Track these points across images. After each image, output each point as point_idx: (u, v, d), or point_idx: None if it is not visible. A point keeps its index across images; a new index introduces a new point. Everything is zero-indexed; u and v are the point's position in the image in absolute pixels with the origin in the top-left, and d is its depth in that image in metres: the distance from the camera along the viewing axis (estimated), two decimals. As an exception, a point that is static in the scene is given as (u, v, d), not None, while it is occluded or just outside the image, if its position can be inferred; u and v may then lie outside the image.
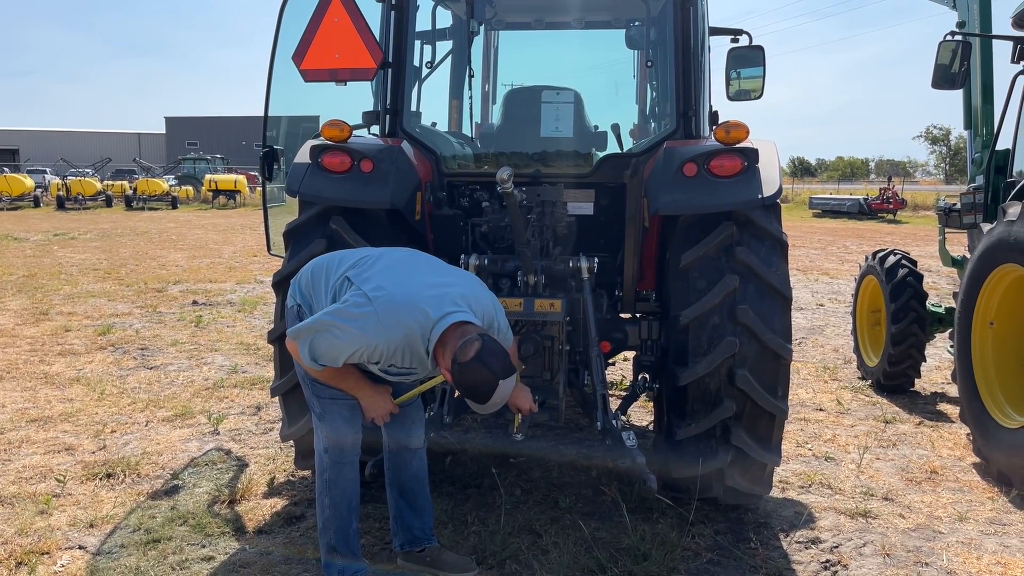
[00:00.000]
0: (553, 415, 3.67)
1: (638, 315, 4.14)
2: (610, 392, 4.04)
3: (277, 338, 3.53)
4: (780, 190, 3.41)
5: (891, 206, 29.70)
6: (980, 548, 3.50)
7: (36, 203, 32.36)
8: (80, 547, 3.41)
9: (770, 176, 3.41)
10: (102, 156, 43.42)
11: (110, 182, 36.32)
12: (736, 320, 3.35)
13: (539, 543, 3.44)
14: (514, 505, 3.84)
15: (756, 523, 3.72)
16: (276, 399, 3.80)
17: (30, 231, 20.44)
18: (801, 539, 3.59)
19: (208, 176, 36.83)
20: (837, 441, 4.91)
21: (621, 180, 4.01)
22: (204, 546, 3.42)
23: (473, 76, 4.11)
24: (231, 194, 34.89)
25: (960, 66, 5.37)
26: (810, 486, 4.18)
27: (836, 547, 3.50)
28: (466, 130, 4.89)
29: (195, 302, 9.79)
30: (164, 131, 72.22)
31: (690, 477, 3.53)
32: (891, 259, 6.12)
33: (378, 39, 4.01)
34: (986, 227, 4.49)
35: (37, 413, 5.26)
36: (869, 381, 6.27)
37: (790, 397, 5.76)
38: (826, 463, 4.52)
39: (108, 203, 32.90)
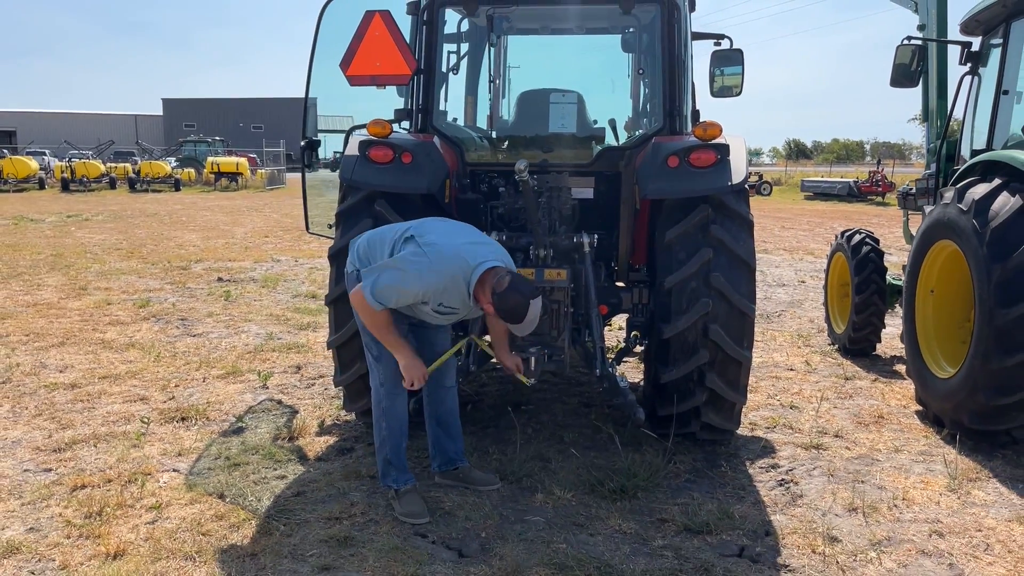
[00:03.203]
0: (559, 366, 4.46)
1: (631, 284, 4.89)
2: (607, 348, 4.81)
3: (335, 300, 4.27)
4: (746, 178, 4.17)
5: (880, 189, 30.50)
6: (909, 471, 4.29)
7: (41, 185, 32.88)
8: (175, 470, 4.18)
9: (738, 167, 4.17)
10: (100, 138, 43.87)
11: (113, 164, 36.88)
12: (710, 285, 4.11)
13: (548, 467, 4.22)
14: (527, 440, 4.61)
15: (728, 454, 4.50)
16: (320, 350, 4.55)
17: (43, 213, 21.07)
18: (763, 465, 4.37)
19: (210, 159, 37.34)
20: (802, 394, 5.69)
21: (617, 169, 4.75)
22: (276, 469, 4.19)
23: (494, 81, 4.84)
24: (233, 176, 35.47)
25: (916, 66, 6.13)
26: (775, 427, 4.96)
27: (791, 470, 4.29)
28: (481, 124, 5.62)
29: (220, 279, 10.52)
30: (161, 113, 72.44)
31: (672, 415, 4.32)
32: (856, 237, 6.89)
33: (411, 47, 4.73)
34: (928, 209, 5.26)
35: (104, 372, 6.01)
36: (837, 346, 7.05)
37: (766, 359, 6.57)
38: (790, 410, 5.31)
39: (112, 185, 33.46)
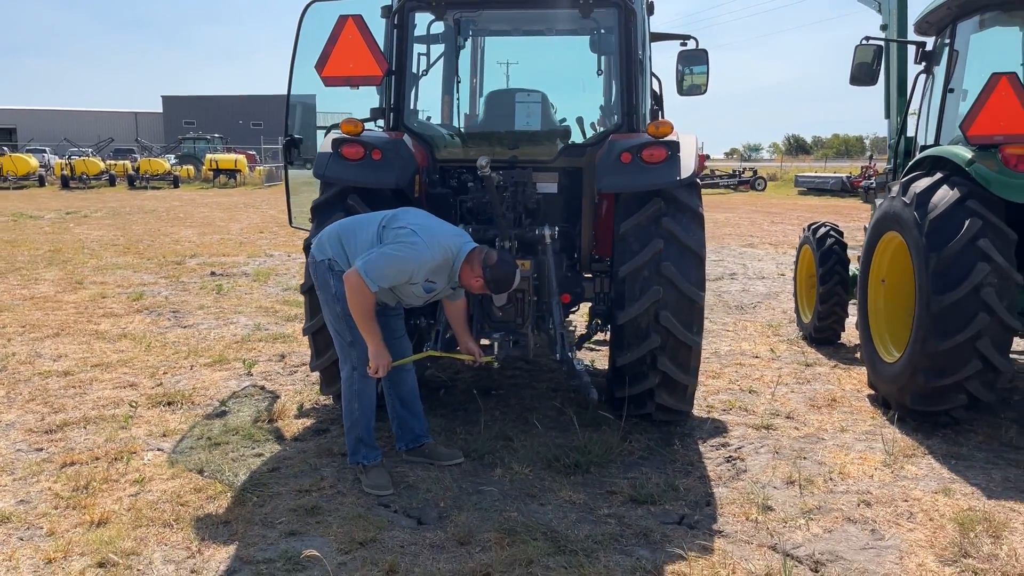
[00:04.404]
0: (524, 351, 4.73)
1: (595, 274, 5.15)
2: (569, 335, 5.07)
3: (309, 289, 4.53)
4: (695, 173, 4.42)
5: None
6: (850, 449, 4.56)
7: (41, 182, 33.14)
8: (159, 449, 4.45)
9: (688, 163, 4.42)
10: (100, 135, 44.12)
11: (112, 161, 37.13)
12: (660, 274, 4.37)
13: (511, 445, 4.49)
14: (493, 420, 4.88)
15: (682, 434, 4.77)
16: (304, 340, 4.82)
17: (42, 209, 21.35)
18: (714, 444, 4.64)
19: (209, 156, 37.59)
20: (763, 379, 5.95)
21: (579, 165, 5.00)
22: (254, 448, 4.46)
23: (460, 81, 5.09)
24: (232, 173, 35.73)
25: (875, 65, 6.37)
26: (730, 410, 5.23)
27: (739, 448, 4.56)
28: (454, 122, 5.88)
29: (213, 273, 10.79)
30: (161, 110, 72.60)
31: (629, 396, 4.58)
32: (822, 230, 7.14)
33: (383, 49, 4.98)
34: (878, 202, 5.51)
35: (97, 360, 6.28)
36: (804, 335, 7.31)
37: (734, 347, 6.82)
38: (748, 394, 5.57)
39: (111, 182, 33.72)
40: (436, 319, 4.67)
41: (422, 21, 5.24)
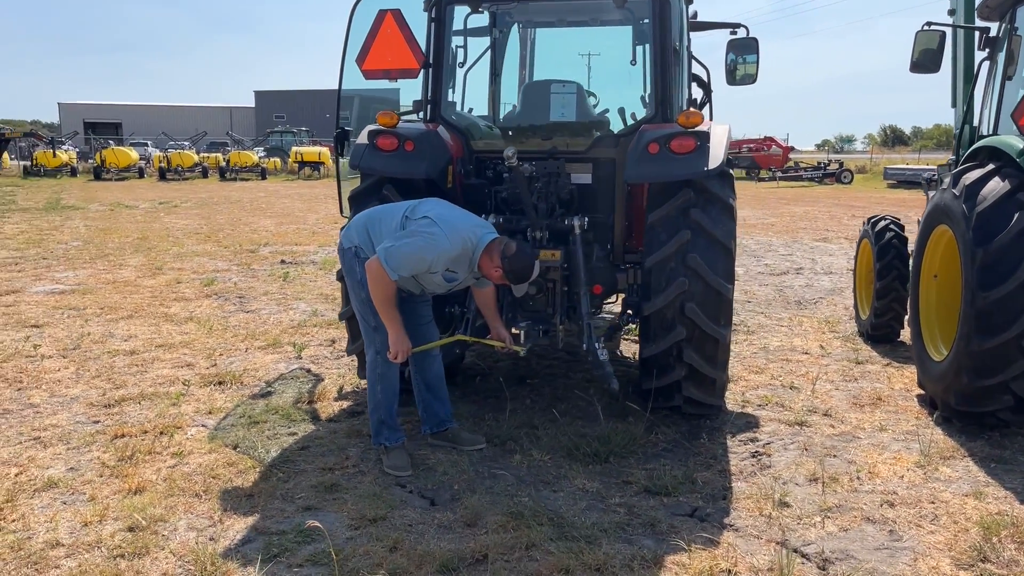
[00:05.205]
0: (552, 340, 4.79)
1: (628, 265, 5.14)
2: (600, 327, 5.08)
3: (342, 276, 4.68)
4: (723, 163, 4.35)
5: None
6: (885, 448, 4.42)
7: (140, 174, 34.98)
8: (202, 425, 4.70)
9: (717, 153, 4.36)
10: (197, 129, 46.15)
11: (206, 154, 38.86)
12: (687, 265, 4.33)
13: (535, 433, 4.54)
14: (523, 409, 4.95)
15: (711, 428, 4.72)
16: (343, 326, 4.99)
17: (138, 200, 22.55)
18: (742, 439, 4.57)
19: (294, 148, 38.86)
20: (808, 376, 5.81)
21: (612, 156, 5.00)
22: (289, 427, 4.67)
23: (496, 73, 5.16)
24: (316, 165, 36.84)
25: (939, 52, 6.11)
26: (766, 405, 5.13)
27: (768, 444, 4.48)
28: (493, 114, 5.95)
29: (283, 261, 11.21)
30: (253, 104, 75.36)
31: (656, 388, 4.57)
32: (881, 224, 6.90)
33: (423, 44, 5.10)
34: (930, 194, 5.29)
35: (162, 341, 6.65)
36: (861, 332, 7.08)
37: (784, 343, 6.68)
38: (789, 390, 5.45)
39: (204, 174, 35.29)
40: (467, 306, 4.76)
41: (461, 15, 5.32)
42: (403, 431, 4.23)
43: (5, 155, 34.71)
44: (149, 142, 48.77)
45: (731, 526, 3.51)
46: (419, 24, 5.19)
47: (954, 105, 6.69)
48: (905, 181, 31.08)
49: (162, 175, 33.72)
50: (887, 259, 6.63)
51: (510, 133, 5.41)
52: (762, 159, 36.39)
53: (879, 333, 6.81)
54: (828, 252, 12.42)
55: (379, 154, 4.69)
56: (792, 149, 41.39)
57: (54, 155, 34.55)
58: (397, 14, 4.93)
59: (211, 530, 3.41)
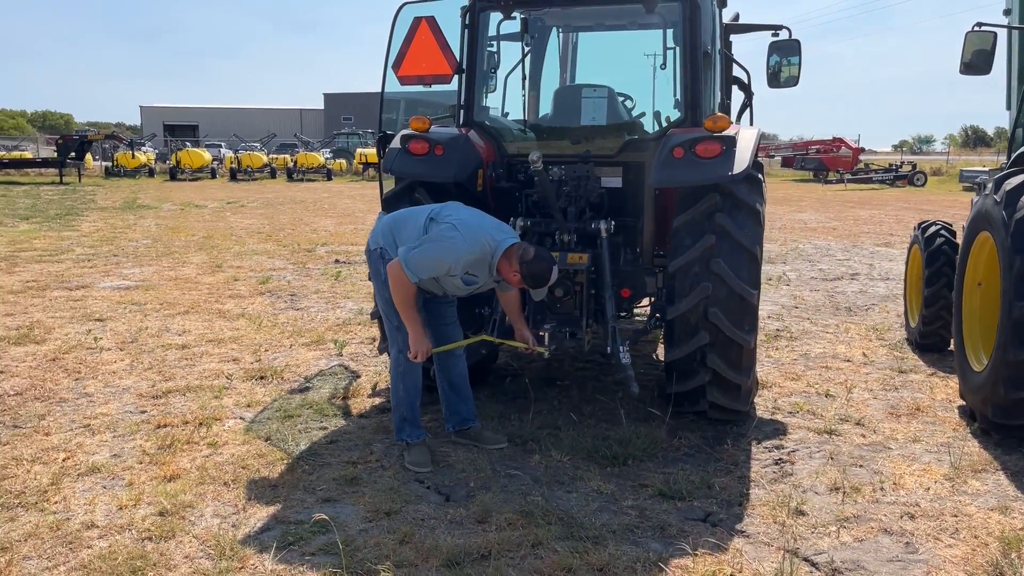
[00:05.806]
0: (578, 343, 4.83)
1: (656, 268, 5.14)
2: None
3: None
4: (748, 167, 4.32)
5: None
6: (916, 460, 4.32)
7: (213, 175, 36.21)
8: (240, 418, 4.91)
9: (743, 157, 4.34)
10: (268, 131, 47.52)
11: (275, 155, 39.96)
12: (711, 270, 4.32)
13: (556, 434, 4.60)
14: (549, 410, 5.00)
15: (736, 434, 4.69)
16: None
17: (207, 199, 23.38)
18: (768, 446, 4.53)
19: (359, 150, 39.61)
20: (845, 384, 5.69)
21: (642, 160, 5.01)
22: (321, 422, 4.83)
23: (527, 78, 5.24)
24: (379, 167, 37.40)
25: (991, 53, 5.91)
26: (797, 413, 5.06)
27: (793, 451, 4.43)
28: (526, 119, 6.02)
29: (337, 260, 11.51)
30: (323, 106, 77.12)
31: (680, 392, 4.57)
32: (932, 229, 6.71)
33: (457, 50, 5.21)
34: (974, 200, 5.13)
35: (213, 336, 6.94)
36: (909, 340, 6.89)
37: (828, 350, 6.57)
38: (823, 398, 5.36)
39: (272, 175, 36.29)
40: (495, 308, 4.84)
41: (495, 21, 5.41)
42: (424, 428, 4.34)
43: (88, 156, 36.36)
44: (223, 143, 50.45)
45: (742, 532, 3.50)
46: (454, 30, 5.32)
47: (1008, 107, 6.46)
48: (980, 183, 29.87)
49: (232, 176, 34.81)
50: (936, 265, 6.44)
51: (543, 137, 5.48)
52: (830, 161, 35.46)
53: (927, 341, 6.62)
54: (889, 257, 12.08)
55: (410, 158, 4.82)
56: (863, 150, 40.18)
57: (133, 156, 36.03)
58: (431, 21, 5.05)
59: (234, 517, 3.58)
